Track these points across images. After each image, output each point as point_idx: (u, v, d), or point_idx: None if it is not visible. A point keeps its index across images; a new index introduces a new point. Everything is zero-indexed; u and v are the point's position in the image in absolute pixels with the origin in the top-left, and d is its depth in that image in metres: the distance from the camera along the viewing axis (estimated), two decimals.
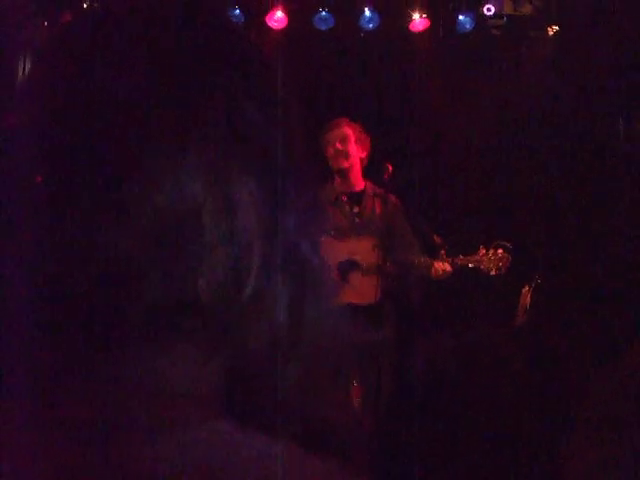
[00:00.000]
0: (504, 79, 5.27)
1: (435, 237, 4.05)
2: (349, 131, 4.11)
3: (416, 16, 5.21)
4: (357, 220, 4.13)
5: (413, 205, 4.18)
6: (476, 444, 4.58)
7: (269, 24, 5.18)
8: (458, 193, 5.25)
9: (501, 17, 5.35)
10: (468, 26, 5.27)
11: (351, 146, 4.10)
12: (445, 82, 5.28)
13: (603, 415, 1.04)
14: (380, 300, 3.94)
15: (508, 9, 5.39)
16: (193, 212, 0.77)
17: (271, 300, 0.83)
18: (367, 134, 4.18)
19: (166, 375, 0.80)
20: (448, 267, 3.95)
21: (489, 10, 5.25)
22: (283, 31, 5.19)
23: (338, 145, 4.09)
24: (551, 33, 5.29)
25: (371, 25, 5.24)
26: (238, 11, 5.16)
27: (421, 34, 5.25)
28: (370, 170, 4.20)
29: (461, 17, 5.26)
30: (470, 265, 3.97)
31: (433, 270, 3.96)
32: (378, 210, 4.14)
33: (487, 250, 3.96)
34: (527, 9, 5.37)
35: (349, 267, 4.02)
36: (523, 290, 4.12)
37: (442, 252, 3.97)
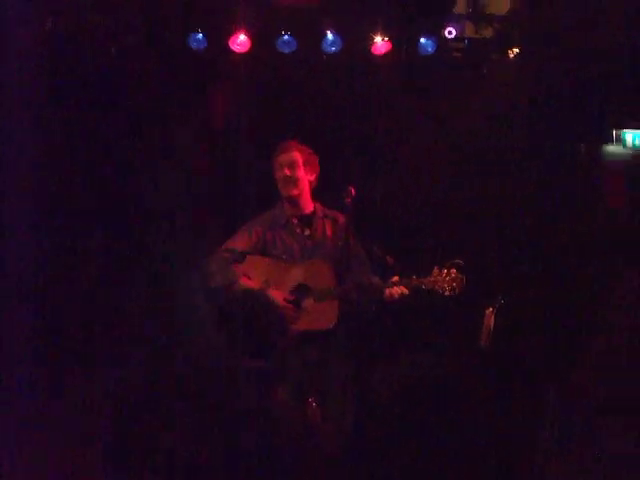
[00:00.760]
0: (466, 101, 5.31)
1: (388, 258, 4.01)
2: (297, 155, 4.09)
3: (378, 39, 5.24)
4: (308, 243, 4.11)
5: (365, 226, 4.15)
6: (430, 465, 4.58)
7: (232, 48, 5.21)
8: (411, 212, 5.28)
9: (462, 40, 5.42)
10: (430, 49, 5.31)
11: (299, 171, 4.09)
12: (407, 104, 5.33)
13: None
14: (336, 325, 3.89)
15: (469, 32, 5.47)
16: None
17: None
18: (315, 155, 4.16)
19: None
20: (404, 289, 3.88)
21: (450, 33, 5.31)
22: (246, 54, 5.23)
23: (287, 171, 4.08)
24: (512, 56, 5.36)
25: (334, 48, 5.27)
26: (201, 35, 5.20)
27: (383, 57, 5.28)
28: (332, 194, 4.13)
29: (423, 40, 5.30)
30: (423, 287, 3.87)
31: (387, 292, 3.89)
32: (329, 232, 4.12)
33: (440, 270, 3.86)
34: (488, 32, 5.45)
35: (301, 293, 3.99)
36: (486, 311, 4.02)
37: (395, 276, 3.92)
